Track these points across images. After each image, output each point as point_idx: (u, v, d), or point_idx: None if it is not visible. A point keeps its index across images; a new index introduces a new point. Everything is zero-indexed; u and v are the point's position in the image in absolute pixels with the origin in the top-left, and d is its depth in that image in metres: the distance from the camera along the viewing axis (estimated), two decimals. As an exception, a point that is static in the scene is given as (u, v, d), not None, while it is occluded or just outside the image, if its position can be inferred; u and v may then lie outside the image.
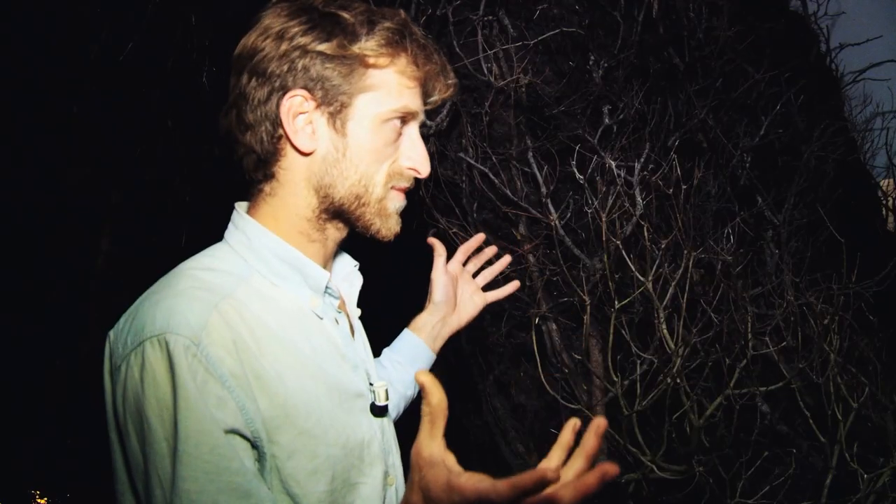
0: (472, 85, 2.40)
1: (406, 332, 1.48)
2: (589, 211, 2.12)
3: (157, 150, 3.67)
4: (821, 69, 3.15)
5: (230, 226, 1.08)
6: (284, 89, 0.99)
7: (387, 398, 1.11)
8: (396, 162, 1.05)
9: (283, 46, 0.99)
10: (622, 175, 2.13)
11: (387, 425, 1.13)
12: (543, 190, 2.27)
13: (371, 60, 0.99)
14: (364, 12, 1.02)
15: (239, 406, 0.90)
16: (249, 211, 1.08)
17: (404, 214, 1.14)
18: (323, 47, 0.98)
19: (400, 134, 1.05)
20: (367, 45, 0.99)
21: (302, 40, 0.98)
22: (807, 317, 2.05)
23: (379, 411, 1.09)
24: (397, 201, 1.07)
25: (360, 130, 1.01)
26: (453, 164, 2.45)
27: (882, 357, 2.06)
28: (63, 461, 3.51)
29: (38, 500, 3.44)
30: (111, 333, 0.96)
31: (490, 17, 2.41)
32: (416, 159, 1.06)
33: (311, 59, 0.98)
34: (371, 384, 1.11)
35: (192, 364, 0.87)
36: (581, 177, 2.17)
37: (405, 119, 1.05)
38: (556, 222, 2.22)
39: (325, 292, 1.08)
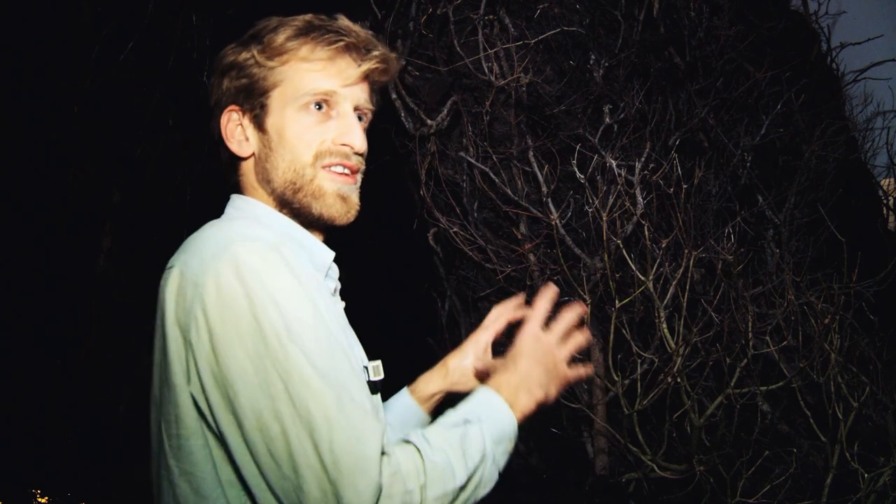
0: (473, 84, 2.40)
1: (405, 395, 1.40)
2: (589, 210, 2.12)
3: (157, 149, 3.67)
4: (822, 68, 3.15)
5: (230, 210, 1.12)
6: (221, 109, 1.10)
7: (381, 375, 1.15)
8: (326, 141, 1.09)
9: (217, 75, 1.11)
10: (623, 174, 2.13)
11: (379, 404, 1.15)
12: (544, 189, 2.27)
13: (275, 60, 1.07)
14: (277, 21, 1.10)
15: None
16: None
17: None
18: (238, 60, 1.08)
19: (329, 115, 1.09)
20: (271, 45, 1.07)
21: (225, 62, 1.10)
22: (807, 316, 2.04)
23: (373, 388, 1.12)
24: (333, 182, 1.09)
25: (278, 122, 1.08)
26: (454, 164, 2.45)
27: (882, 356, 2.06)
28: (63, 461, 3.51)
29: (39, 500, 3.44)
30: (176, 264, 0.97)
31: (491, 17, 2.41)
32: (345, 134, 1.09)
33: (230, 75, 1.09)
34: (365, 364, 1.13)
35: (283, 264, 0.93)
36: (582, 176, 2.17)
37: (326, 100, 1.09)
38: (557, 221, 2.22)
39: (327, 275, 1.12)
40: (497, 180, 2.30)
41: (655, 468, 1.99)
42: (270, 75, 1.07)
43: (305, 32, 1.07)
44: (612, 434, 2.13)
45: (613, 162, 2.13)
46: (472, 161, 2.32)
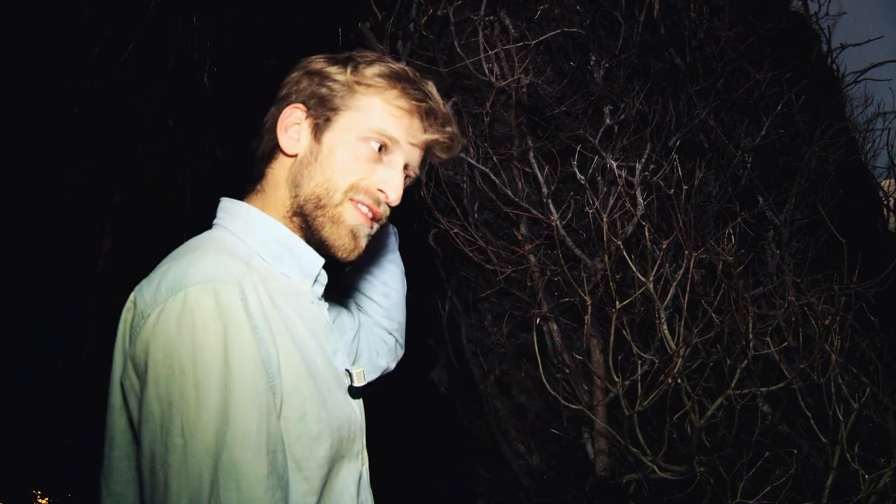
0: (474, 85, 2.40)
1: None
2: (590, 211, 2.11)
3: (158, 149, 3.67)
4: (822, 69, 3.16)
5: (221, 214, 1.12)
6: (288, 103, 1.12)
7: (363, 381, 1.16)
8: (367, 180, 1.09)
9: (299, 72, 1.13)
10: (623, 175, 2.13)
11: (361, 408, 1.17)
12: (544, 190, 2.27)
13: (362, 86, 1.10)
14: (378, 56, 1.14)
15: (264, 359, 0.93)
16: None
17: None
18: (327, 70, 1.11)
19: (381, 159, 1.10)
20: (363, 72, 1.10)
21: (314, 66, 1.12)
22: (808, 317, 2.04)
23: (356, 393, 1.14)
24: (354, 217, 1.10)
25: (335, 141, 1.09)
26: (454, 165, 2.45)
27: (883, 357, 2.05)
28: (63, 461, 3.51)
29: (39, 501, 3.43)
30: (135, 290, 0.97)
31: (491, 18, 2.41)
32: (386, 182, 1.10)
33: (313, 80, 1.11)
34: (348, 368, 1.14)
35: (241, 311, 0.91)
36: (582, 177, 2.17)
37: (386, 145, 1.10)
38: (558, 222, 2.22)
39: (316, 280, 1.13)
40: (497, 181, 2.30)
41: (656, 469, 1.99)
42: (349, 97, 1.10)
43: (398, 78, 1.10)
44: (612, 435, 2.13)
45: (614, 163, 2.13)
46: (473, 162, 2.32)
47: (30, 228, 3.60)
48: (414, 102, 1.11)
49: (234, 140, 3.49)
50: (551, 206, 2.24)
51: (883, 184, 3.20)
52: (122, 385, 0.95)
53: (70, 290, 3.68)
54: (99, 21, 3.40)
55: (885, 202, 3.20)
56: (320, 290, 1.15)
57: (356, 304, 1.42)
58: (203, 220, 1.13)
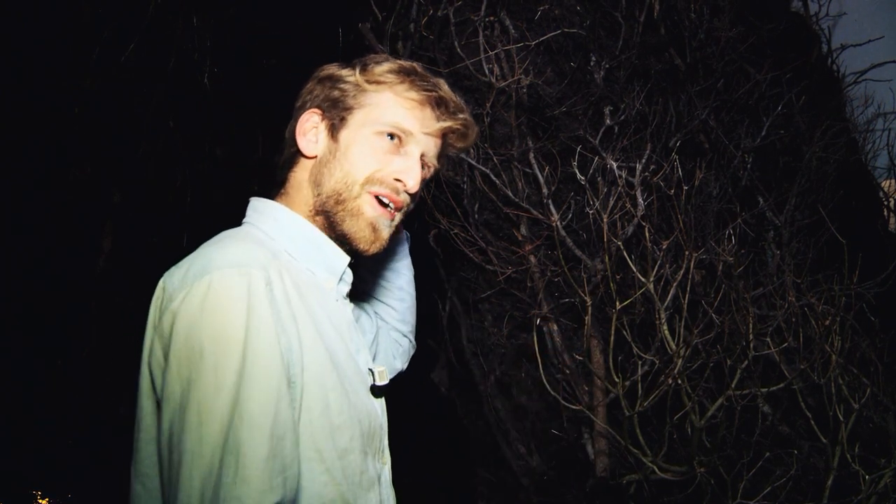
0: (474, 85, 2.40)
1: None
2: (590, 212, 2.11)
3: (158, 149, 3.67)
4: (822, 70, 3.16)
5: (251, 213, 1.16)
6: (304, 111, 1.17)
7: (385, 380, 1.18)
8: (383, 171, 1.13)
9: (312, 82, 1.18)
10: (623, 176, 2.13)
11: (383, 407, 1.19)
12: (545, 191, 2.27)
13: (373, 84, 1.14)
14: (385, 56, 1.18)
15: (284, 347, 0.94)
16: None
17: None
18: (337, 74, 1.16)
19: (397, 151, 1.14)
20: (372, 71, 1.15)
21: (324, 73, 1.17)
22: (808, 318, 2.04)
23: (377, 391, 1.16)
24: (373, 209, 1.13)
25: (351, 137, 1.13)
26: (454, 165, 2.45)
27: (883, 358, 2.05)
28: (63, 461, 3.50)
29: (39, 501, 3.43)
30: (164, 276, 1.00)
31: (491, 18, 2.41)
32: (403, 172, 1.13)
33: (325, 85, 1.16)
34: (371, 367, 1.15)
35: (264, 296, 0.93)
36: (582, 178, 2.17)
37: (401, 136, 1.14)
38: (558, 223, 2.22)
39: (341, 279, 1.16)
40: (498, 182, 2.30)
41: (656, 470, 1.99)
42: (361, 96, 1.14)
43: (407, 73, 1.15)
44: (612, 436, 2.13)
45: (614, 163, 2.13)
46: (473, 163, 2.32)
47: (30, 228, 3.60)
48: (424, 93, 1.14)
49: (234, 140, 3.49)
50: (551, 207, 2.24)
51: (883, 184, 3.20)
52: (150, 367, 0.97)
53: (70, 290, 3.68)
54: (99, 21, 3.40)
55: (886, 203, 3.20)
56: (345, 289, 1.18)
57: (373, 308, 1.44)
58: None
